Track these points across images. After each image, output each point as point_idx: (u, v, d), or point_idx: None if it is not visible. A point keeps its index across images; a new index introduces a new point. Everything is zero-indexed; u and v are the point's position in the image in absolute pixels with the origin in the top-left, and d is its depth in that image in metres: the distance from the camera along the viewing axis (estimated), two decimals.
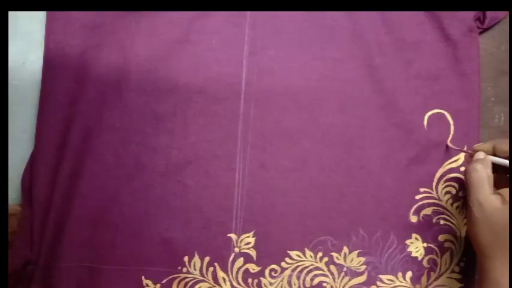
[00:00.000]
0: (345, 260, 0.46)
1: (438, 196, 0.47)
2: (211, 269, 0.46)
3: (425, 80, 0.48)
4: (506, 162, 0.40)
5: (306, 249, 0.46)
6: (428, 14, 0.48)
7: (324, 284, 0.46)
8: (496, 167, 0.41)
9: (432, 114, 0.47)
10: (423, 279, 0.46)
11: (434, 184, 0.47)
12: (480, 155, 0.41)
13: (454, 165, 0.47)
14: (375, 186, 0.47)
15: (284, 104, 0.47)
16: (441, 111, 0.47)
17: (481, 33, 0.48)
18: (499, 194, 0.39)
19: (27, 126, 0.48)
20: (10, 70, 0.48)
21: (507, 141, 0.41)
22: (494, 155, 0.41)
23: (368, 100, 0.47)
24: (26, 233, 0.46)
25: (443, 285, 0.46)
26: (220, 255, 0.46)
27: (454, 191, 0.47)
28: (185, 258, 0.46)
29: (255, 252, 0.46)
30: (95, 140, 0.46)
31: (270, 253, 0.46)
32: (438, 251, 0.46)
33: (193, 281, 0.46)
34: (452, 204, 0.47)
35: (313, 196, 0.47)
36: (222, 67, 0.47)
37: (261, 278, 0.46)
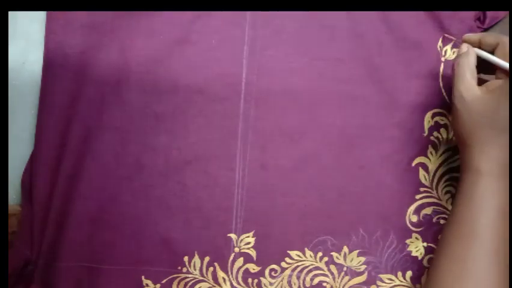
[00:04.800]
0: (345, 260, 0.46)
1: (438, 196, 0.47)
2: (211, 269, 0.46)
3: (426, 79, 0.48)
4: (488, 55, 0.40)
5: (306, 249, 0.46)
6: (428, 13, 0.48)
7: (324, 284, 0.46)
8: (481, 63, 0.41)
9: (433, 113, 0.47)
10: (424, 278, 0.46)
11: (434, 184, 0.47)
12: (463, 47, 0.41)
13: (454, 164, 0.47)
14: (375, 186, 0.47)
15: (284, 104, 0.47)
16: (442, 110, 0.47)
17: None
18: (484, 86, 0.39)
19: (27, 126, 0.48)
20: (10, 70, 0.48)
21: (493, 35, 0.41)
22: (479, 47, 0.41)
23: (368, 100, 0.47)
24: (26, 233, 0.46)
25: None
26: (220, 255, 0.46)
27: (454, 191, 0.47)
28: (185, 258, 0.46)
29: (255, 252, 0.46)
30: (95, 140, 0.46)
31: (270, 253, 0.46)
32: None
33: (193, 281, 0.46)
34: (452, 204, 0.47)
35: (313, 196, 0.47)
36: (222, 67, 0.47)
37: (261, 278, 0.46)
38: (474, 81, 0.39)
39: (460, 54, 0.41)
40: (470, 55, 0.40)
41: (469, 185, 0.38)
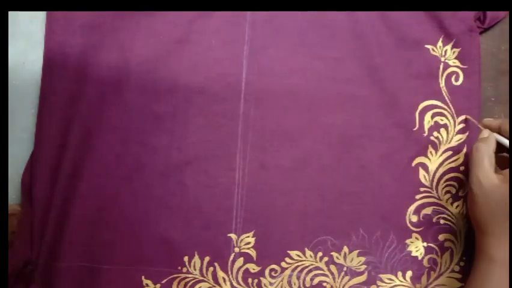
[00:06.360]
0: (345, 260, 0.46)
1: (438, 195, 0.47)
2: (211, 269, 0.46)
3: (426, 79, 0.48)
4: (507, 142, 0.40)
5: (306, 249, 0.46)
6: (428, 13, 0.48)
7: (324, 284, 0.46)
8: (501, 148, 0.41)
9: (433, 113, 0.47)
10: (424, 278, 0.46)
11: (434, 184, 0.47)
12: (484, 133, 0.42)
13: (453, 164, 0.47)
14: (375, 186, 0.47)
15: (284, 104, 0.47)
16: (442, 110, 0.47)
17: (481, 33, 0.48)
18: (501, 174, 0.39)
19: (27, 126, 0.48)
20: (10, 70, 0.48)
21: None
22: (499, 133, 0.41)
23: (368, 100, 0.47)
24: (26, 233, 0.46)
25: (443, 285, 0.46)
26: (220, 255, 0.46)
27: (453, 191, 0.47)
28: (185, 258, 0.46)
29: (255, 252, 0.46)
30: (95, 140, 0.46)
31: (270, 253, 0.46)
32: (438, 250, 0.46)
33: (193, 281, 0.46)
34: (452, 204, 0.47)
35: (313, 196, 0.47)
36: (222, 67, 0.47)
37: (261, 278, 0.46)
38: (492, 168, 0.39)
39: (480, 139, 0.41)
40: (490, 142, 0.40)
41: (483, 272, 0.38)
